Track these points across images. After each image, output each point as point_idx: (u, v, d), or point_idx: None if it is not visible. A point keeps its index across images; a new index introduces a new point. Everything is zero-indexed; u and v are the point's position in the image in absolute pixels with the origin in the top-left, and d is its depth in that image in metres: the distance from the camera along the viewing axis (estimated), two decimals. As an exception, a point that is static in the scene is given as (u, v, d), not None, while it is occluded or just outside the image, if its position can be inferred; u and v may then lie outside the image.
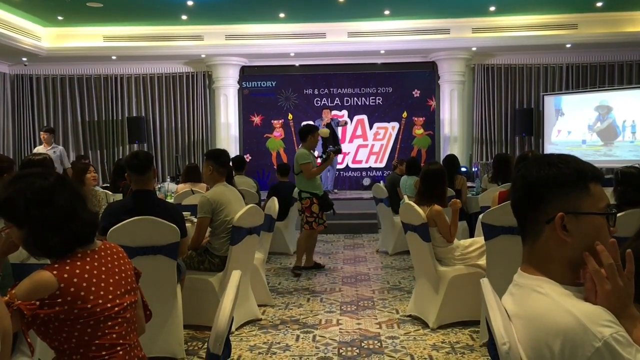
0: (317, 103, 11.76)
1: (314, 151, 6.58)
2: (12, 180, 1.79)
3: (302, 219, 6.33)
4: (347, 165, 11.81)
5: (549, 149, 10.68)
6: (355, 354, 3.83)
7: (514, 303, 1.42)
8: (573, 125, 10.81)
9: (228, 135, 11.64)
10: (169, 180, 9.30)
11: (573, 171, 1.36)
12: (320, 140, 6.63)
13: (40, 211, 1.71)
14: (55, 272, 1.68)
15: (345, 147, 11.56)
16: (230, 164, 5.67)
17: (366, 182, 11.68)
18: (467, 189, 7.07)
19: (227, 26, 10.67)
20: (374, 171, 11.88)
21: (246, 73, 11.87)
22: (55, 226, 1.72)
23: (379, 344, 4.01)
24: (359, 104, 11.83)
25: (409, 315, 4.62)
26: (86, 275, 1.73)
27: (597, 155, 10.49)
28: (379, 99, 11.81)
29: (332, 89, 11.80)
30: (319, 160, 6.64)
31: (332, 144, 10.31)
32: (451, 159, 7.33)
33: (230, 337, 1.90)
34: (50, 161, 4.79)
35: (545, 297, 1.32)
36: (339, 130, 10.67)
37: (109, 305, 1.76)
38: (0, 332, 1.27)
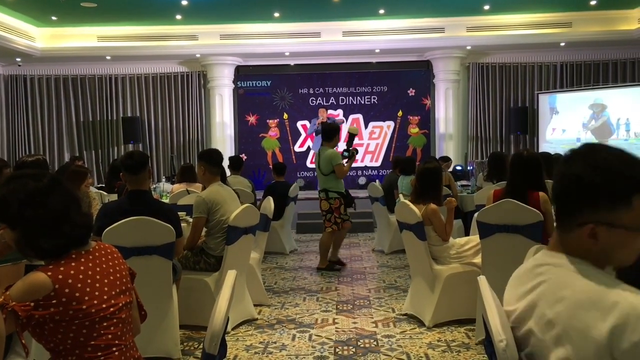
0: (313, 102, 11.75)
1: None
2: (5, 181, 1.78)
3: (327, 219, 6.25)
4: (342, 164, 11.80)
5: (544, 147, 10.70)
6: (351, 352, 3.83)
7: (551, 283, 1.36)
8: (567, 123, 10.83)
9: (223, 135, 11.62)
10: (164, 180, 9.28)
11: (624, 182, 1.29)
12: (339, 138, 6.51)
13: (34, 213, 1.71)
14: (49, 273, 1.68)
15: (340, 146, 11.55)
16: (226, 163, 5.67)
17: (362, 181, 11.69)
18: (455, 184, 7.14)
19: (221, 26, 10.65)
20: (370, 170, 11.88)
21: (241, 72, 11.86)
22: (48, 228, 1.72)
23: (375, 343, 4.01)
24: (354, 103, 11.82)
25: (405, 314, 4.63)
26: (81, 276, 1.73)
27: (592, 153, 10.50)
28: (374, 98, 11.81)
29: (327, 88, 11.79)
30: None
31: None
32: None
33: (226, 337, 1.90)
34: (45, 162, 4.77)
35: (591, 278, 1.29)
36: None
37: (104, 305, 1.75)
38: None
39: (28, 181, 1.76)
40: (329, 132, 6.36)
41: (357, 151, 6.64)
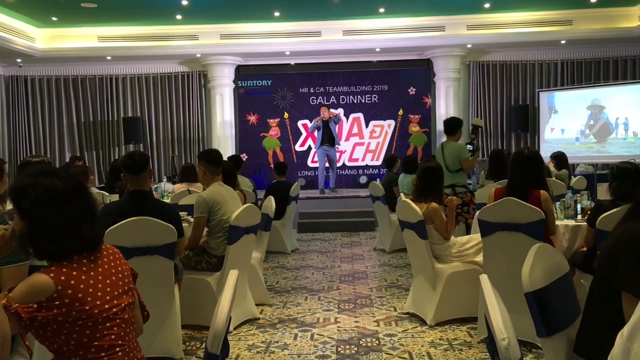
0: (313, 101, 11.75)
1: None
2: (36, 172, 1.78)
3: (464, 212, 5.94)
4: (343, 163, 11.81)
5: (543, 147, 10.70)
6: (353, 352, 3.84)
7: None
8: (566, 123, 10.81)
9: (224, 134, 11.62)
10: (165, 180, 9.29)
11: None
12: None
13: (44, 213, 1.71)
14: (52, 274, 1.68)
15: (341, 144, 11.56)
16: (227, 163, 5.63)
17: (363, 180, 11.69)
18: None
19: (221, 25, 10.64)
20: (371, 169, 11.88)
21: (242, 72, 11.86)
22: (53, 232, 1.72)
23: (377, 342, 4.01)
24: (355, 102, 11.83)
25: (407, 313, 4.63)
26: (83, 277, 1.73)
27: (591, 152, 10.52)
28: (374, 97, 11.81)
29: (327, 87, 11.79)
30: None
31: (329, 141, 10.36)
32: None
33: (228, 337, 1.91)
34: (49, 164, 4.77)
35: None
36: (336, 127, 10.65)
37: (106, 306, 1.76)
38: (0, 336, 1.27)
39: (54, 180, 1.75)
40: (453, 126, 6.15)
41: (478, 147, 6.45)
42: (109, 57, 11.12)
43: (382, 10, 9.97)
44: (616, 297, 1.88)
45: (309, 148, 11.73)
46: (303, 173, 11.80)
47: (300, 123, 11.80)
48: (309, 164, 11.81)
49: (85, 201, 1.81)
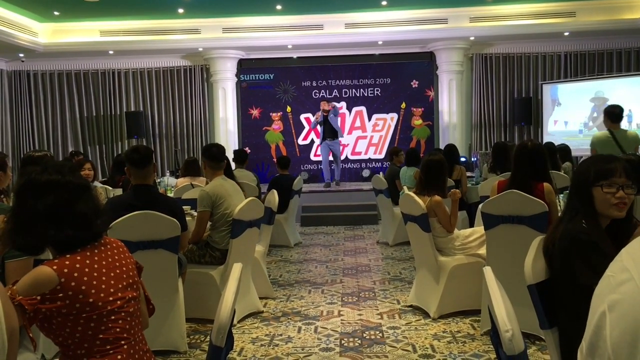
0: (316, 95, 11.73)
1: None
2: (49, 166, 1.80)
3: None
4: (346, 156, 11.81)
5: (546, 139, 10.66)
6: (357, 344, 3.85)
7: None
8: (569, 115, 10.77)
9: (227, 128, 11.63)
10: (168, 174, 9.30)
11: None
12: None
13: (33, 202, 1.73)
14: (55, 267, 1.68)
15: (344, 138, 11.55)
16: (230, 156, 5.66)
17: (365, 173, 11.69)
18: (466, 179, 7.06)
19: (223, 19, 10.63)
20: (374, 162, 11.87)
21: (244, 66, 11.84)
22: (31, 224, 1.72)
23: (380, 335, 4.02)
24: (357, 95, 11.81)
25: (410, 306, 4.64)
26: (86, 270, 1.74)
27: (594, 144, 10.48)
28: (377, 90, 11.78)
29: (330, 81, 11.77)
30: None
31: (331, 135, 10.35)
32: (450, 149, 7.32)
33: (233, 330, 1.91)
34: (51, 159, 4.78)
35: None
36: (338, 120, 10.64)
37: (110, 299, 1.76)
38: (8, 330, 1.28)
39: (53, 173, 1.77)
40: (619, 113, 6.20)
41: None
42: (111, 52, 11.12)
43: (384, 3, 9.93)
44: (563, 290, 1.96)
45: (312, 142, 11.72)
46: (306, 167, 11.81)
47: (302, 117, 11.79)
48: (312, 157, 11.81)
49: (79, 190, 1.82)
